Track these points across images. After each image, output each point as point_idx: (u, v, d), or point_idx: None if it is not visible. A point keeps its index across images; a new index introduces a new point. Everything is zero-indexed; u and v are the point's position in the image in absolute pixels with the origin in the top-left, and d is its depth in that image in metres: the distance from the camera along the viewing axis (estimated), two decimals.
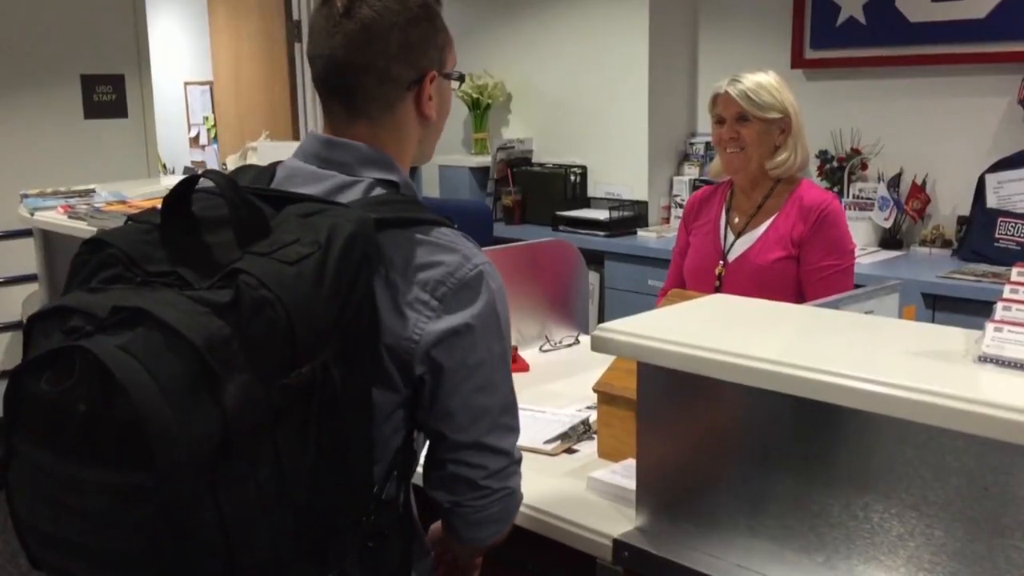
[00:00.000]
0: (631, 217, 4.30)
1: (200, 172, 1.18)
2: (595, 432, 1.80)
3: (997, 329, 1.16)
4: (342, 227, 1.11)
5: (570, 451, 1.79)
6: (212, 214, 1.15)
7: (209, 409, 1.00)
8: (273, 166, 1.30)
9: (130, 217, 1.22)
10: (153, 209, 1.20)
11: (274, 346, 1.04)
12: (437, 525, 1.43)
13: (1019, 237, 3.37)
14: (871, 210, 3.71)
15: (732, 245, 2.35)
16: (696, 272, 2.41)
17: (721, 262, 2.35)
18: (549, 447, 1.79)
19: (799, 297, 2.22)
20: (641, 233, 4.23)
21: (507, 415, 1.29)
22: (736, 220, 2.38)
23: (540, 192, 4.61)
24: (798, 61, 3.99)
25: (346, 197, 1.23)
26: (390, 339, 1.17)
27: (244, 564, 1.04)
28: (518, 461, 1.33)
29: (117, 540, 1.02)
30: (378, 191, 1.25)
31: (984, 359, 1.15)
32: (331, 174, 1.26)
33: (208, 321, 1.02)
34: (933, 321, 3.04)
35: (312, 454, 1.08)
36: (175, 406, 0.99)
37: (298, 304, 1.05)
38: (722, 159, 2.38)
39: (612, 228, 4.22)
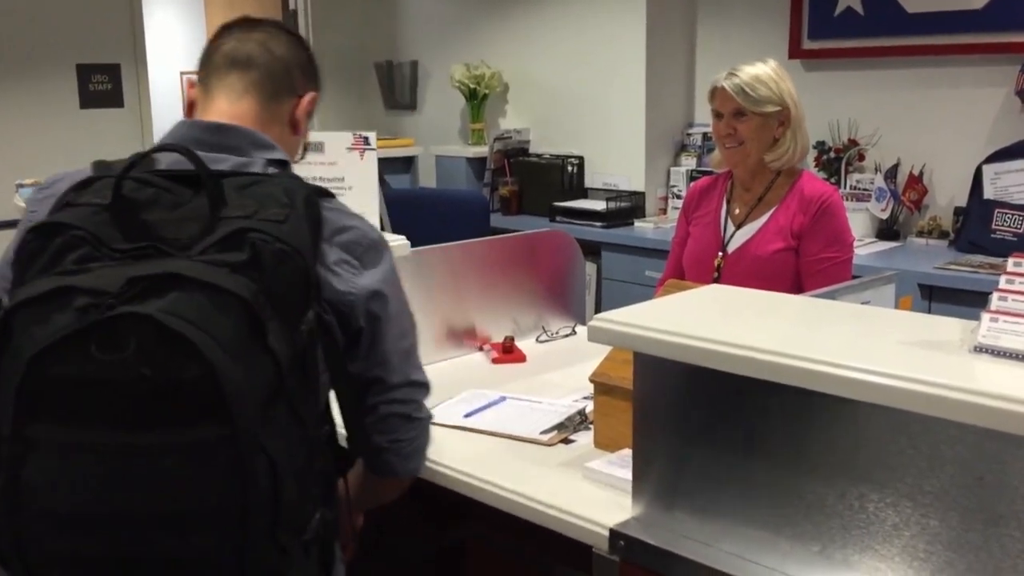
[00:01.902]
0: (628, 208, 4.30)
1: (158, 145, 1.25)
2: (591, 422, 1.80)
3: (993, 319, 1.16)
4: (296, 190, 1.21)
5: (566, 441, 1.79)
6: (141, 196, 1.18)
7: (262, 358, 1.07)
8: (146, 156, 1.26)
9: (68, 201, 1.20)
10: (77, 189, 1.20)
11: (294, 294, 1.13)
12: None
13: (1016, 228, 3.37)
14: (868, 201, 3.71)
15: (732, 236, 2.35)
16: (695, 263, 2.41)
17: (720, 253, 2.35)
18: (545, 437, 1.79)
19: (797, 289, 2.22)
20: (638, 224, 4.23)
21: (417, 351, 1.46)
22: (737, 211, 2.38)
23: (537, 182, 4.60)
24: (796, 51, 3.98)
25: None
26: (329, 294, 1.28)
27: (284, 507, 1.10)
28: (429, 390, 1.49)
29: (188, 499, 1.05)
30: (272, 171, 1.32)
31: (980, 349, 1.15)
32: (225, 156, 1.30)
33: (236, 277, 1.08)
34: (929, 312, 3.05)
35: (315, 398, 1.18)
36: (236, 358, 1.04)
37: (306, 252, 1.15)
38: (721, 153, 2.38)
39: (609, 219, 4.21)
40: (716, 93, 2.33)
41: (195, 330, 1.02)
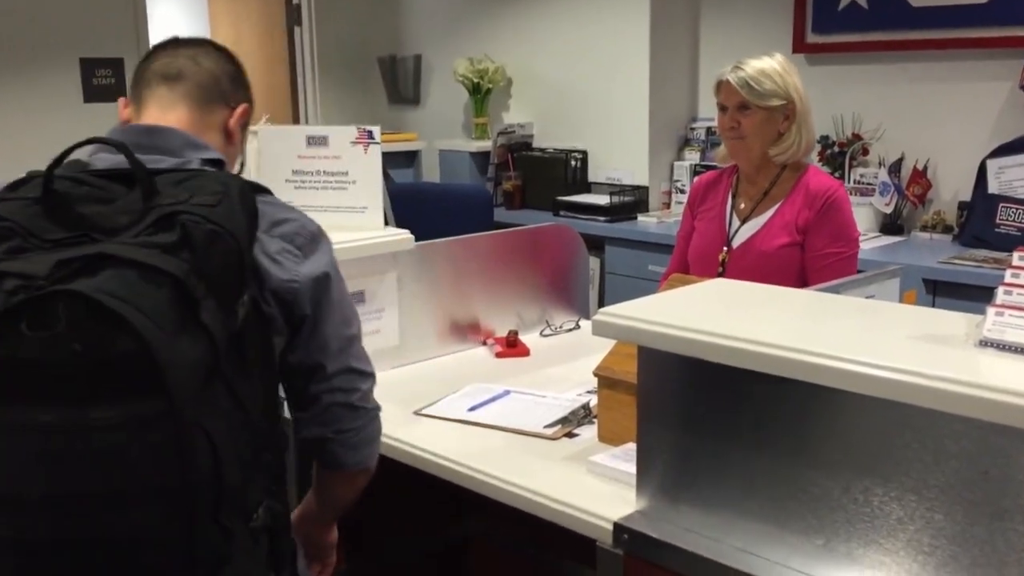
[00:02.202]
0: (632, 202, 4.29)
1: (90, 139, 1.26)
2: (595, 416, 1.80)
3: (998, 313, 1.16)
4: (231, 181, 1.23)
5: (570, 435, 1.79)
6: (74, 192, 1.19)
7: (197, 334, 1.08)
8: (75, 148, 1.27)
9: (6, 188, 1.21)
10: (9, 188, 1.21)
11: (228, 275, 1.14)
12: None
13: (1020, 222, 3.36)
14: (872, 195, 3.71)
15: (737, 231, 2.35)
16: (700, 257, 2.41)
17: (725, 248, 2.35)
18: (549, 431, 1.79)
19: (802, 284, 2.21)
20: (642, 218, 4.23)
21: (360, 342, 1.48)
22: (742, 206, 2.37)
23: (541, 177, 4.60)
24: (800, 45, 3.97)
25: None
26: (274, 283, 1.31)
27: (226, 490, 1.12)
28: (375, 381, 1.50)
29: (129, 477, 1.05)
30: (209, 170, 1.33)
31: (985, 343, 1.15)
32: (161, 158, 1.31)
33: (167, 257, 1.08)
34: (933, 306, 3.04)
35: (255, 382, 1.18)
36: (169, 334, 1.05)
37: (239, 235, 1.16)
38: (725, 146, 2.38)
39: (613, 213, 4.21)
40: (721, 86, 2.32)
41: (126, 305, 1.03)
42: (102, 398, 1.04)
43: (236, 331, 1.15)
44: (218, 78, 1.45)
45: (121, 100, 1.46)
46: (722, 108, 2.33)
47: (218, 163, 1.38)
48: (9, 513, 1.08)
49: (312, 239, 1.39)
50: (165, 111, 1.40)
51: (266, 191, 1.37)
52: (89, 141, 1.28)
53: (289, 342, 1.36)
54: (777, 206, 2.31)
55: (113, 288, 1.04)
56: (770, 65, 2.28)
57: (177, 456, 1.06)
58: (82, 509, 1.06)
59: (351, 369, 1.44)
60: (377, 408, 1.49)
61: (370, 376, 1.48)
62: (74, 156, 1.25)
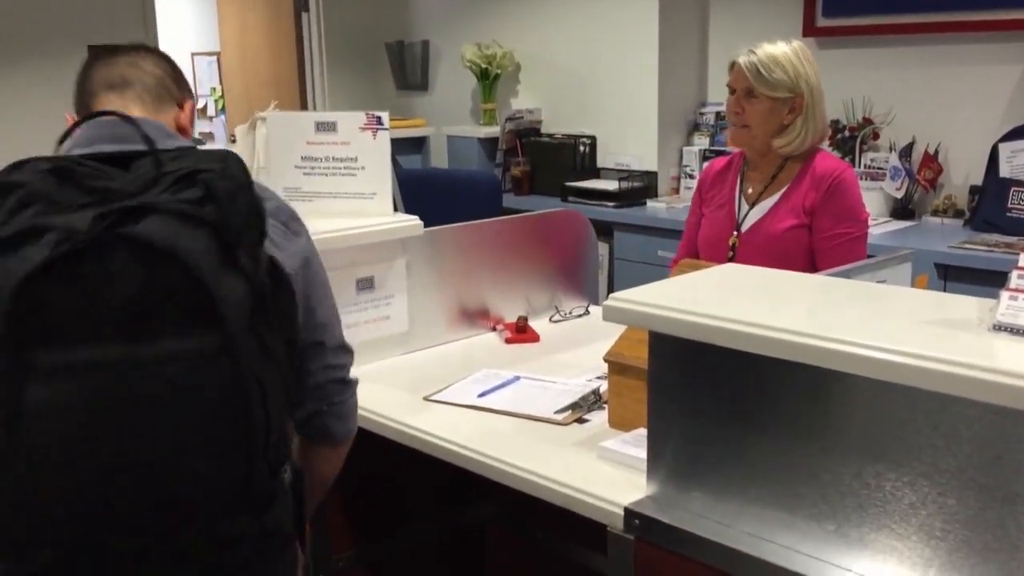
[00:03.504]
0: (641, 188, 4.28)
1: (86, 116, 1.29)
2: (606, 402, 1.80)
3: (1012, 298, 1.15)
4: (225, 153, 1.25)
5: (581, 421, 1.79)
6: (80, 170, 1.19)
7: (236, 278, 1.12)
8: (59, 158, 1.27)
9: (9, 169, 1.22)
10: (9, 170, 1.21)
11: (251, 226, 1.17)
12: None
13: None
14: (883, 180, 3.69)
15: (746, 215, 2.34)
16: (710, 243, 2.40)
17: (735, 232, 2.34)
18: (560, 417, 1.79)
19: (812, 267, 2.20)
20: (651, 204, 4.22)
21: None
22: (750, 190, 2.36)
23: (549, 163, 4.58)
24: (810, 29, 3.95)
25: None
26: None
27: (273, 432, 1.16)
28: None
29: (191, 408, 1.10)
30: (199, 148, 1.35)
31: (999, 327, 1.14)
32: (140, 146, 1.29)
33: (199, 207, 1.12)
34: (944, 291, 3.03)
35: (279, 338, 1.20)
36: (215, 271, 1.09)
37: (255, 190, 1.20)
38: (730, 131, 2.37)
39: (621, 199, 4.20)
40: (733, 68, 2.31)
41: (176, 245, 1.08)
42: (163, 332, 1.08)
43: (261, 282, 1.18)
44: (162, 79, 1.46)
45: (67, 116, 1.45)
46: (731, 90, 2.32)
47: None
48: (75, 454, 1.08)
49: (292, 216, 1.44)
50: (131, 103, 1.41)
51: None
52: (88, 117, 1.30)
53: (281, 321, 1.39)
54: (784, 189, 2.30)
55: (159, 230, 1.08)
56: (784, 53, 2.25)
57: (237, 393, 1.11)
58: (148, 446, 1.09)
59: (342, 346, 1.52)
60: (356, 379, 1.56)
61: (351, 351, 1.55)
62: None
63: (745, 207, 2.35)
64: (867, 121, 3.80)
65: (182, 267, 1.07)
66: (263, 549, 1.21)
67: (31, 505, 1.09)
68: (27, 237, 1.08)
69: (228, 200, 1.14)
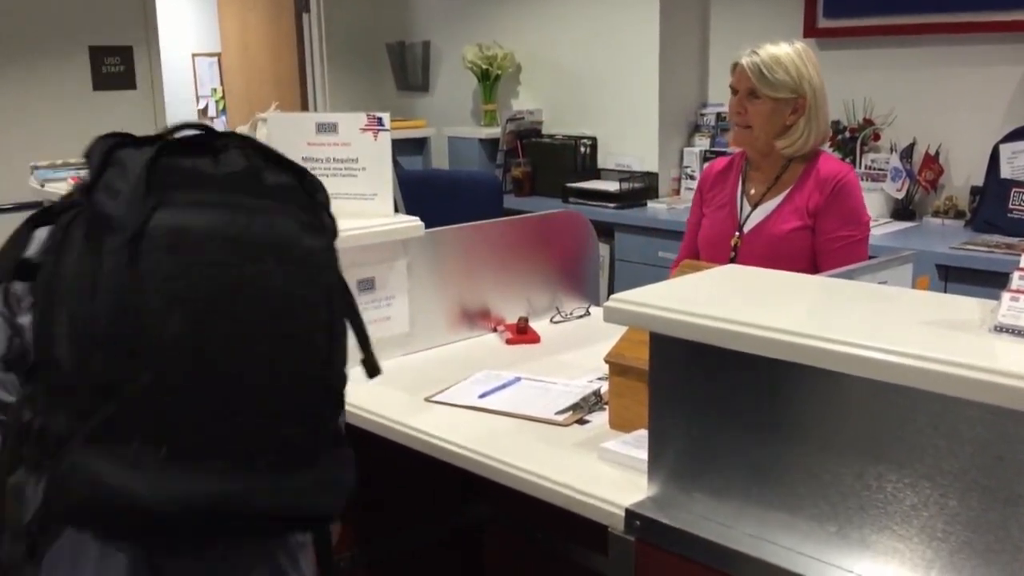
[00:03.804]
0: (641, 188, 4.28)
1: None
2: (606, 403, 1.80)
3: (1014, 299, 1.15)
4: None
5: (581, 422, 1.79)
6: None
7: (323, 230, 1.19)
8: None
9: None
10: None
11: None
12: None
13: None
14: (883, 181, 3.69)
15: (748, 216, 2.34)
16: (712, 243, 2.40)
17: (737, 233, 2.34)
18: (560, 418, 1.79)
19: (813, 268, 2.20)
20: (651, 204, 4.22)
21: None
22: (752, 191, 2.36)
23: (550, 163, 4.59)
24: (811, 30, 3.95)
25: None
26: None
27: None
28: None
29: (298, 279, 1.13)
30: None
31: (1000, 329, 1.14)
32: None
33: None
34: (945, 292, 3.03)
35: None
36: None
37: None
38: (732, 132, 2.37)
39: (622, 200, 4.20)
40: (735, 69, 2.31)
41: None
42: (280, 198, 1.16)
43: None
44: None
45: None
46: (733, 90, 2.32)
47: None
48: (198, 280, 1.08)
49: None
50: None
51: None
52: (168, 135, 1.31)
53: None
54: (788, 191, 2.30)
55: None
56: (787, 54, 2.25)
57: (329, 299, 1.15)
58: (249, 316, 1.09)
59: None
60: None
61: None
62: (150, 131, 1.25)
63: (747, 208, 2.35)
64: (868, 122, 3.80)
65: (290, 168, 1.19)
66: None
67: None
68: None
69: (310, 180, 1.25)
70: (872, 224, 3.59)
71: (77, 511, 1.08)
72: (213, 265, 1.08)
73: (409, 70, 5.35)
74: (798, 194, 2.28)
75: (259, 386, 1.10)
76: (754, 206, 2.34)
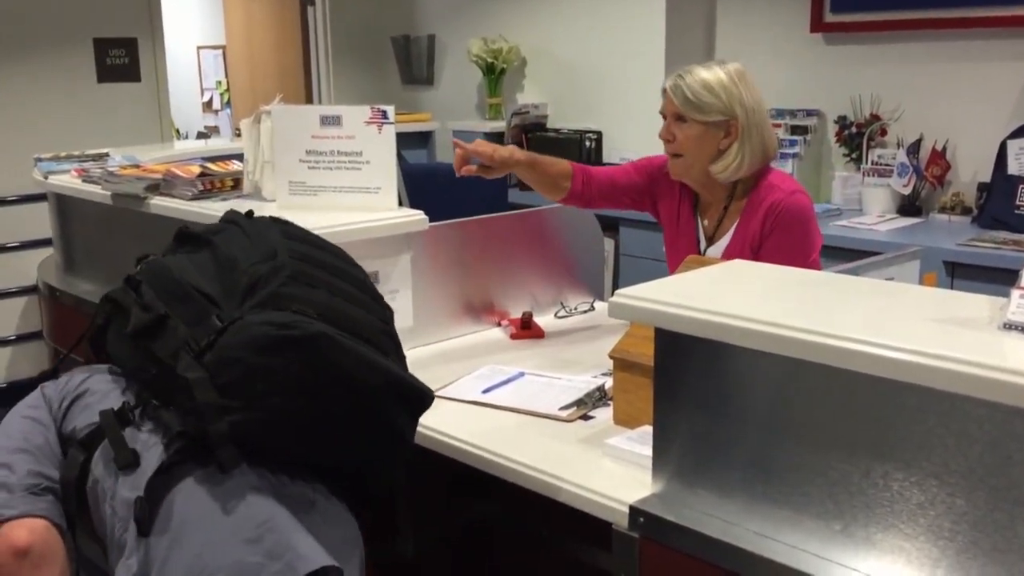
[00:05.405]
0: None
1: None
2: (611, 399, 1.79)
3: (1023, 296, 1.14)
4: None
5: (585, 418, 1.78)
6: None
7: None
8: None
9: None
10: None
11: None
12: None
13: None
14: (890, 176, 3.67)
15: (706, 252, 2.21)
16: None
17: None
18: (564, 413, 1.78)
19: None
20: None
21: None
22: (706, 223, 2.24)
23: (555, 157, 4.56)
24: (817, 25, 3.93)
25: None
26: None
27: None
28: None
29: None
30: None
31: (1009, 326, 1.13)
32: None
33: None
34: (952, 288, 3.01)
35: None
36: None
37: None
38: (668, 162, 2.24)
39: None
40: (663, 93, 2.20)
41: None
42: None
43: None
44: None
45: None
46: (663, 116, 2.22)
47: None
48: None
49: None
50: None
51: None
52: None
53: None
54: (735, 225, 2.17)
55: None
56: (716, 77, 2.12)
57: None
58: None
59: None
60: None
61: None
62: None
63: (704, 243, 2.23)
64: (875, 117, 3.78)
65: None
66: None
67: None
68: None
69: None
70: (878, 220, 3.58)
71: None
72: None
73: (414, 63, 5.34)
74: (744, 228, 2.15)
75: None
76: (709, 242, 2.22)
